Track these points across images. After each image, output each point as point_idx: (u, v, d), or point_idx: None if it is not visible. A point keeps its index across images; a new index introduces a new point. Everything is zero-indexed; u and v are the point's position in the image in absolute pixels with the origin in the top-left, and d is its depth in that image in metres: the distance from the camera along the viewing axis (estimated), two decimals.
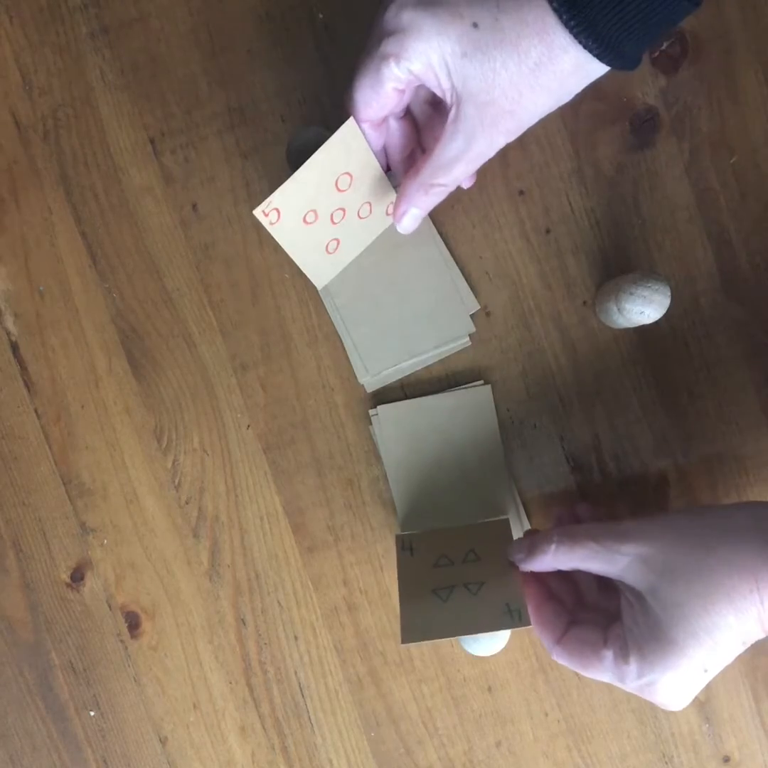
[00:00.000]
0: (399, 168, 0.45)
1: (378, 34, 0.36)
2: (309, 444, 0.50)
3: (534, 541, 0.40)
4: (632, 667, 0.35)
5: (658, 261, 0.49)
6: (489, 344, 0.49)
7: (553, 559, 0.38)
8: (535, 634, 0.41)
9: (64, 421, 0.50)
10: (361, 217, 0.47)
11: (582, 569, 0.38)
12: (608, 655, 0.36)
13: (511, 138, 0.39)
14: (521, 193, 0.49)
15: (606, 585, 0.41)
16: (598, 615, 0.39)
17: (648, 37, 0.35)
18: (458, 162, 0.39)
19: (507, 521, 0.47)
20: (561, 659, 0.39)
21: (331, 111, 0.49)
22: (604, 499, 0.49)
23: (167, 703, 0.51)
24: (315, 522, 0.50)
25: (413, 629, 0.40)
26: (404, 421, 0.49)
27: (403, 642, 0.39)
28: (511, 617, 0.39)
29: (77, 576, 0.51)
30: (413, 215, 0.43)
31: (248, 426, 0.50)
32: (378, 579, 0.50)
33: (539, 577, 0.42)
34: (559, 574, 0.42)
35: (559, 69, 0.34)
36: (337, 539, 0.50)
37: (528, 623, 0.39)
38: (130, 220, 0.50)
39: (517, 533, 0.48)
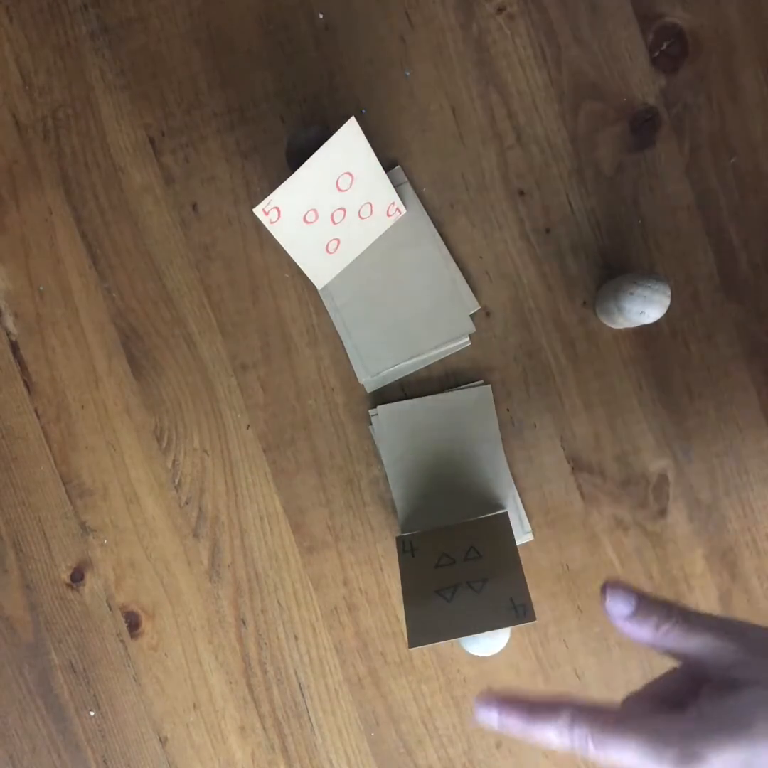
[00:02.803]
0: None
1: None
2: (309, 444, 0.50)
3: (647, 609, 0.32)
4: None
5: (658, 261, 0.49)
6: (489, 344, 0.49)
7: (661, 637, 0.31)
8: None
9: (64, 421, 0.50)
10: (361, 218, 0.46)
11: (690, 657, 0.31)
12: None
13: None
14: (521, 193, 0.49)
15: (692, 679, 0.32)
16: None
17: None
18: None
19: (506, 515, 0.47)
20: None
21: (331, 111, 0.49)
22: (604, 500, 0.49)
23: (167, 703, 0.51)
24: (315, 522, 0.50)
25: (420, 632, 0.39)
26: (404, 421, 0.49)
27: (410, 646, 0.39)
28: (517, 613, 0.39)
29: (77, 576, 0.51)
30: None
31: (248, 426, 0.50)
32: (378, 579, 0.50)
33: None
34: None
35: None
36: (337, 539, 0.50)
37: (533, 619, 0.38)
38: (130, 220, 0.50)
39: (517, 534, 0.48)
